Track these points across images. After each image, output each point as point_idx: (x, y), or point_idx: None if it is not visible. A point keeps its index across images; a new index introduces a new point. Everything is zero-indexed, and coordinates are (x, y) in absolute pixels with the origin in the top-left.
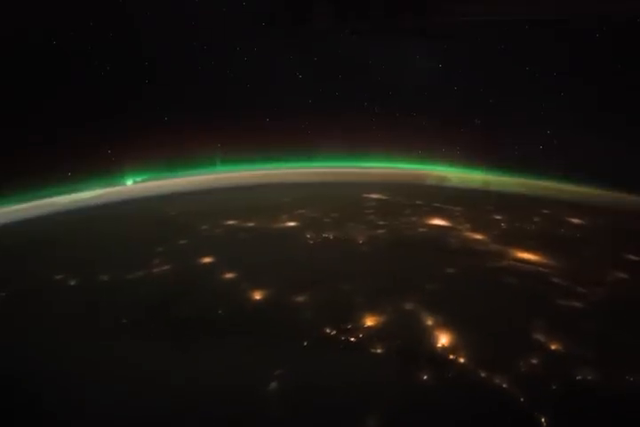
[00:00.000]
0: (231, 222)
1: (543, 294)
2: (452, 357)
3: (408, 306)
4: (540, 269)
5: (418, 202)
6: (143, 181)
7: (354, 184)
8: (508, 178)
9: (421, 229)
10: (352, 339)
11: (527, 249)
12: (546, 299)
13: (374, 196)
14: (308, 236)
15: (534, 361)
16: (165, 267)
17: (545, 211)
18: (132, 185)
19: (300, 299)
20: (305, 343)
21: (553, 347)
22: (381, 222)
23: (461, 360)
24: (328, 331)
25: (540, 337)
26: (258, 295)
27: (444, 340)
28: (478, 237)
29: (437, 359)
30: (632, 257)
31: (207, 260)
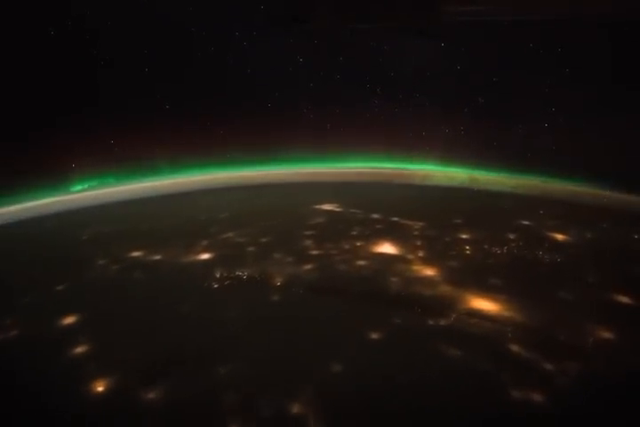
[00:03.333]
0: (136, 254)
1: (492, 380)
2: None
3: (296, 408)
4: (498, 326)
5: (374, 215)
6: (96, 186)
7: (317, 187)
8: (500, 176)
9: (360, 262)
10: None
11: (487, 292)
12: (495, 390)
13: (327, 207)
14: (217, 275)
15: None
16: (13, 332)
17: (525, 222)
18: (93, 190)
19: (152, 395)
20: None
21: None
22: (315, 252)
23: None
24: None
25: None
26: (100, 387)
27: None
28: (429, 272)
29: None
30: (623, 299)
31: (69, 320)
